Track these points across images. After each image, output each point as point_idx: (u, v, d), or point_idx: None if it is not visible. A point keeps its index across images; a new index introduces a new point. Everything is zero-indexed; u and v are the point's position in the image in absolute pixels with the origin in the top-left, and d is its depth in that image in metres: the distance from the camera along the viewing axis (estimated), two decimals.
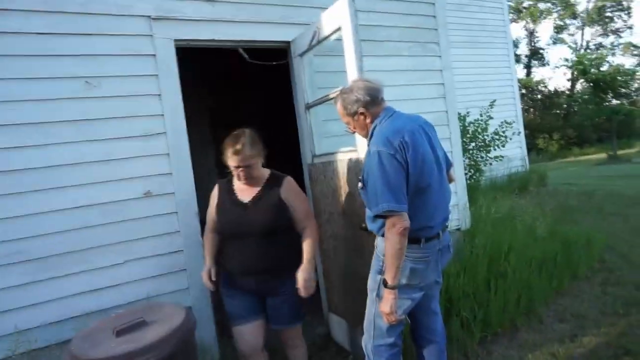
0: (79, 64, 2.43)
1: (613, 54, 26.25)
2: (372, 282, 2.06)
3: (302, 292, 2.11)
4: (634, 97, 22.39)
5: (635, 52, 26.32)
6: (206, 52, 3.17)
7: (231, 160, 2.07)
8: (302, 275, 2.11)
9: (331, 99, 2.55)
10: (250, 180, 2.15)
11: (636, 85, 21.43)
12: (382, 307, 1.89)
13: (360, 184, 1.98)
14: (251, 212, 2.13)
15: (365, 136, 2.05)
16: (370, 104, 1.97)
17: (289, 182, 2.23)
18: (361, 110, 1.97)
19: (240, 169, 2.08)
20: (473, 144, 6.70)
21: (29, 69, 2.32)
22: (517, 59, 25.03)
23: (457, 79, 4.55)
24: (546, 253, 3.92)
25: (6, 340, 2.19)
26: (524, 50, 27.89)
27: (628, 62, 25.91)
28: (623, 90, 18.34)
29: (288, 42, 3.07)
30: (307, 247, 2.18)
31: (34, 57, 2.34)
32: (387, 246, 1.81)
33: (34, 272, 2.30)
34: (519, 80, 16.63)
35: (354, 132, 2.12)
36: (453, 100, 4.04)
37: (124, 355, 1.67)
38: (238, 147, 2.04)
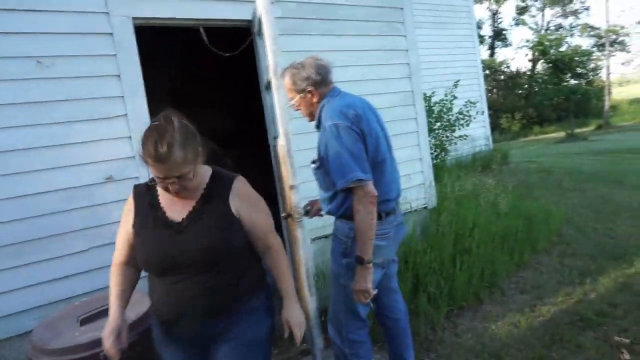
0: (29, 43, 2.30)
1: (571, 35, 27.15)
2: (336, 267, 1.99)
3: (297, 339, 1.54)
4: (591, 77, 23.27)
5: (592, 33, 27.21)
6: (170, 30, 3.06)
7: (153, 169, 1.35)
8: (292, 319, 1.53)
9: None
10: (180, 194, 1.43)
11: (592, 65, 22.26)
12: (359, 285, 1.83)
13: (314, 164, 1.95)
14: (187, 235, 1.42)
15: (308, 115, 2.04)
16: (319, 84, 1.95)
17: (240, 185, 1.53)
18: (310, 88, 1.95)
19: (170, 180, 1.36)
20: (438, 124, 6.82)
21: None
22: (481, 40, 25.46)
23: (422, 59, 4.58)
24: (508, 228, 4.07)
25: None
26: (487, 31, 28.40)
27: (585, 42, 26.91)
28: (580, 70, 19.02)
29: (250, 21, 2.99)
30: (282, 277, 1.56)
31: None
32: (359, 219, 1.78)
33: None
34: (483, 61, 16.93)
35: (297, 110, 2.06)
36: (418, 81, 4.08)
37: (88, 344, 1.63)
38: (162, 150, 1.29)
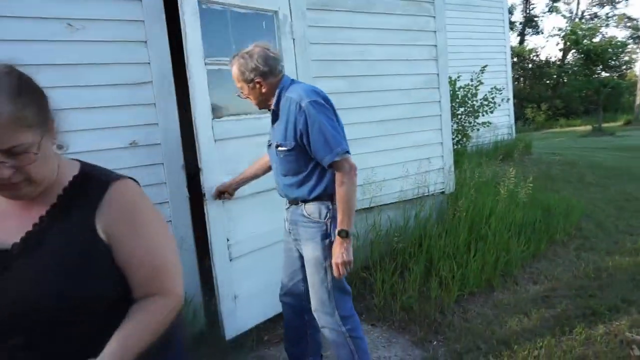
0: (60, 4, 2.32)
1: (607, 25, 26.16)
2: (320, 252, 1.95)
3: None
4: (623, 71, 22.46)
5: (628, 24, 26.19)
6: None
7: None
8: None
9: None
10: (20, 190, 0.86)
11: (626, 58, 21.46)
12: (343, 257, 1.85)
13: (283, 148, 1.92)
14: (17, 272, 0.86)
15: (259, 104, 2.03)
16: (267, 74, 1.93)
17: (119, 194, 0.96)
18: (258, 79, 1.93)
19: None
20: (462, 109, 6.71)
21: (5, 6, 2.20)
22: (511, 26, 24.72)
23: (450, 42, 4.48)
24: (526, 218, 4.03)
25: None
26: (518, 17, 27.56)
27: (621, 34, 25.93)
28: (613, 62, 18.36)
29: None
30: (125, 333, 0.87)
31: None
32: (345, 191, 1.82)
33: None
34: (512, 48, 16.47)
35: (246, 98, 2.04)
36: (445, 63, 4.00)
37: None
38: None
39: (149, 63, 2.56)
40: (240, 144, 2.66)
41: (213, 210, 2.51)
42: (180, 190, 2.67)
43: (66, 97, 2.35)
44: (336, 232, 1.87)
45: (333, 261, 1.88)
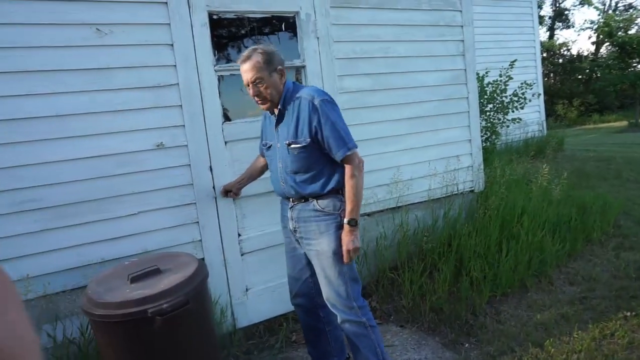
0: (89, 10, 2.37)
1: None
2: (336, 243, 2.01)
3: None
4: None
5: None
6: None
7: None
8: None
9: None
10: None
11: None
12: (354, 244, 1.97)
13: (298, 144, 1.98)
14: None
15: (272, 100, 2.02)
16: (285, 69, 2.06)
17: None
18: (281, 67, 2.02)
19: None
20: (490, 106, 6.53)
21: (35, 15, 2.26)
22: (541, 20, 24.00)
23: (477, 37, 4.37)
24: (560, 216, 3.88)
25: (17, 285, 2.24)
26: (547, 11, 26.76)
27: None
28: None
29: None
30: None
31: (38, 1, 2.26)
32: (355, 184, 1.96)
33: (48, 220, 2.32)
34: (541, 43, 15.99)
35: (256, 95, 2.01)
36: (472, 59, 3.90)
37: (139, 300, 1.70)
38: None
39: (175, 65, 2.58)
40: (250, 145, 2.80)
41: (224, 208, 2.76)
42: (207, 191, 2.69)
43: (95, 101, 2.40)
44: (345, 221, 1.98)
45: (344, 248, 1.98)
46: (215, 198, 2.72)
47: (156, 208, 2.58)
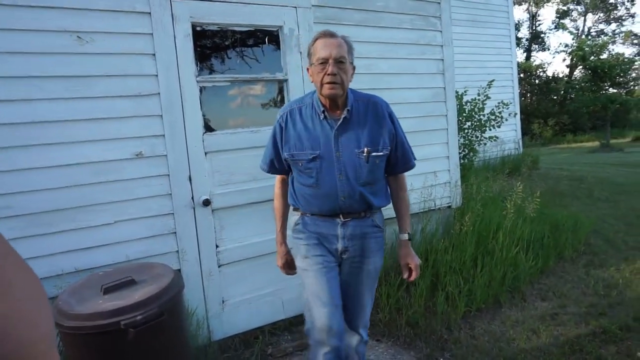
0: (70, 18, 2.35)
1: (613, 42, 26.04)
2: (379, 261, 1.95)
3: None
4: (631, 87, 22.35)
5: (635, 41, 26.16)
6: None
7: None
8: None
9: None
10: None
11: (634, 74, 21.36)
12: (418, 259, 1.95)
13: (381, 153, 1.83)
14: None
15: (344, 92, 1.78)
16: None
17: None
18: (353, 65, 1.88)
19: None
20: (469, 123, 6.68)
21: (16, 20, 2.23)
22: (518, 42, 24.76)
23: (456, 57, 4.49)
24: (534, 234, 3.98)
25: None
26: (525, 34, 27.62)
27: (628, 51, 25.88)
28: (620, 79, 18.29)
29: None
30: None
31: (21, 7, 2.24)
32: (408, 197, 2.03)
33: (21, 228, 2.27)
34: (518, 64, 16.49)
35: (333, 74, 1.71)
36: (452, 77, 4.00)
37: (112, 312, 1.68)
38: None
39: (156, 75, 2.58)
40: (231, 157, 2.85)
41: (203, 219, 2.74)
42: (185, 202, 2.67)
43: (74, 108, 2.38)
44: (406, 236, 1.97)
45: (414, 264, 1.93)
46: (194, 209, 2.70)
47: (133, 218, 2.55)
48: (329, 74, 1.71)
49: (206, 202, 2.71)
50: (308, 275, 1.85)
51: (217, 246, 2.81)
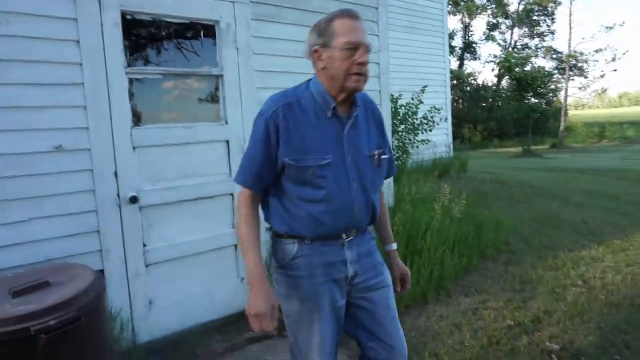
0: None
1: (536, 56, 28.17)
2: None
3: None
4: (550, 98, 24.29)
5: (554, 56, 28.41)
6: None
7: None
8: None
9: None
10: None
11: (552, 87, 23.25)
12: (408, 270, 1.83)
13: (385, 156, 1.63)
14: None
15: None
16: None
17: None
18: None
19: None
20: (402, 127, 6.93)
21: None
22: (452, 50, 26.02)
23: (392, 61, 4.64)
24: (460, 234, 4.20)
25: None
26: (458, 42, 29.07)
27: (548, 64, 27.96)
28: (541, 90, 19.83)
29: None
30: None
31: None
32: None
33: None
34: (451, 71, 17.35)
35: (365, 74, 1.45)
36: (387, 82, 4.12)
37: (20, 317, 1.55)
38: None
39: (80, 64, 2.42)
40: (163, 151, 2.75)
41: (129, 216, 2.63)
42: (110, 199, 2.54)
43: None
44: (395, 246, 1.82)
45: (409, 274, 1.82)
46: (120, 206, 2.57)
47: (51, 215, 2.38)
48: (359, 63, 1.41)
49: (133, 199, 2.59)
50: (309, 323, 1.52)
51: (144, 245, 2.69)
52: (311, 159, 1.44)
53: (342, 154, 1.48)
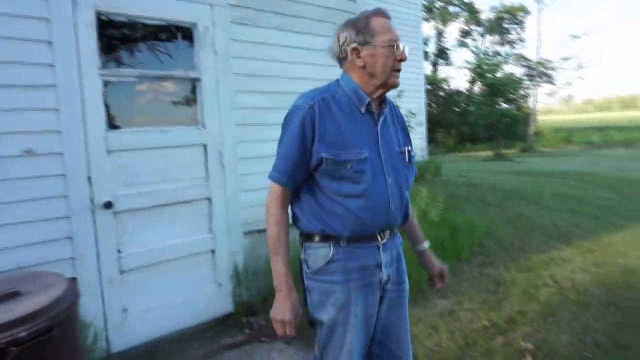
0: None
1: (507, 63, 28.93)
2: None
3: None
4: (520, 104, 25.00)
5: (523, 63, 29.23)
6: None
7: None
8: None
9: None
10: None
11: (522, 93, 23.95)
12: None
13: (414, 154, 1.66)
14: None
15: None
16: None
17: None
18: None
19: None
20: None
21: None
22: (426, 56, 26.46)
23: None
24: (436, 236, 4.26)
25: None
26: (432, 48, 29.59)
27: (518, 71, 28.68)
28: (511, 96, 20.45)
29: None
30: None
31: None
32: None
33: None
34: (426, 77, 17.66)
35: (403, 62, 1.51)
36: None
37: None
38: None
39: (53, 65, 2.36)
40: (138, 155, 2.71)
41: (103, 222, 2.56)
42: (84, 204, 2.47)
43: None
44: (428, 243, 1.79)
45: (446, 269, 1.81)
46: (94, 211, 2.51)
47: (21, 221, 2.30)
48: (401, 60, 1.46)
49: (108, 205, 2.53)
50: (342, 333, 1.46)
51: (119, 251, 2.63)
52: (349, 153, 1.42)
53: (377, 150, 1.48)
